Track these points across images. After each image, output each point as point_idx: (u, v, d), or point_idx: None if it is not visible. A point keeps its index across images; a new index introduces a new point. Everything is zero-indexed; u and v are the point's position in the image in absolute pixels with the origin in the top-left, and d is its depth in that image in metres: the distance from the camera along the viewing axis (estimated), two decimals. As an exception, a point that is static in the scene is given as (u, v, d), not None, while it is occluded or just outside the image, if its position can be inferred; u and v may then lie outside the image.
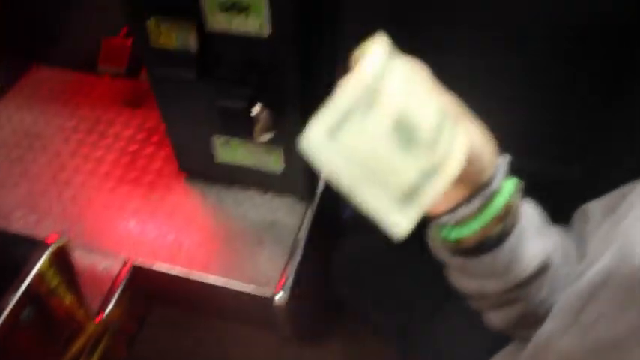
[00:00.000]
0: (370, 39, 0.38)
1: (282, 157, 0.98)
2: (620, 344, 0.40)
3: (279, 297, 0.92)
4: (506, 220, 0.47)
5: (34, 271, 0.77)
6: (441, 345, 0.75)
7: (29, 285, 0.76)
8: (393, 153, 0.36)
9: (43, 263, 0.79)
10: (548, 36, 0.84)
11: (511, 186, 0.47)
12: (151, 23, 0.84)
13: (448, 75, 0.46)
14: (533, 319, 0.51)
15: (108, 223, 1.05)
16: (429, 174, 0.37)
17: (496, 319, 0.54)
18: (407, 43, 0.46)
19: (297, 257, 0.96)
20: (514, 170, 0.49)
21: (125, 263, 0.99)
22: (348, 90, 0.34)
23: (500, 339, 0.58)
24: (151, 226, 1.04)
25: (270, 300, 0.94)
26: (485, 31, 0.86)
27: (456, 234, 0.48)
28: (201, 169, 1.08)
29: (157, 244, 1.01)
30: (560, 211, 0.57)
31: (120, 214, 1.06)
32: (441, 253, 0.52)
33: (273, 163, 1.00)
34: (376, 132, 0.35)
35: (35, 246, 0.80)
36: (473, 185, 0.46)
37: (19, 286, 0.75)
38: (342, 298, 0.90)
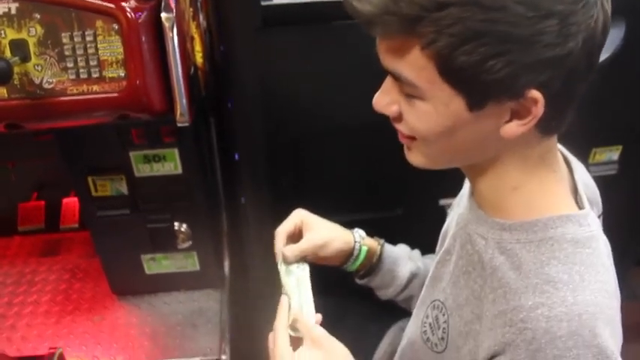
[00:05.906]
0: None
1: (197, 258, 1.32)
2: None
3: (225, 357, 1.22)
4: (373, 258, 0.94)
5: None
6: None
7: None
8: None
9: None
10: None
11: (364, 247, 0.94)
12: (89, 181, 1.17)
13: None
14: None
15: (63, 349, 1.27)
16: None
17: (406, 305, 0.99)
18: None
19: (227, 327, 1.28)
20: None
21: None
22: None
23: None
24: (101, 341, 1.28)
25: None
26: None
27: (351, 267, 0.94)
28: (131, 286, 1.37)
29: (113, 353, 1.26)
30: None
31: (72, 340, 1.29)
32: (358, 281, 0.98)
33: (191, 265, 1.33)
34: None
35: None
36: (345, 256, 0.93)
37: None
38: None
